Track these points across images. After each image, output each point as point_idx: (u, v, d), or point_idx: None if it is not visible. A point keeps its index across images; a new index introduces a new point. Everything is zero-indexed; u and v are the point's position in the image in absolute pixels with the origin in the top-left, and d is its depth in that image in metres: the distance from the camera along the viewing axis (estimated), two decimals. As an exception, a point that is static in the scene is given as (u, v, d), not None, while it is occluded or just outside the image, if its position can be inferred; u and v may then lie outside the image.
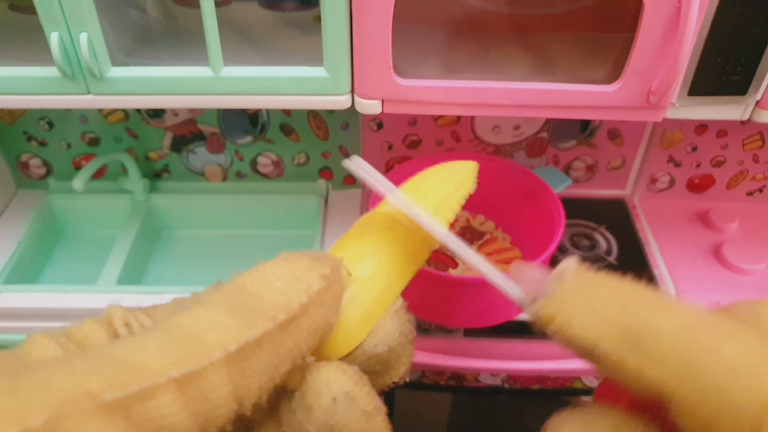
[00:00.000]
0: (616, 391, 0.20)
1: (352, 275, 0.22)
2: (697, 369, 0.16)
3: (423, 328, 0.71)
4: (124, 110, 0.82)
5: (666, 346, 0.17)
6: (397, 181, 0.27)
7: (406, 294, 0.26)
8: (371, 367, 0.22)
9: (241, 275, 0.19)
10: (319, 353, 0.21)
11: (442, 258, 0.74)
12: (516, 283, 0.22)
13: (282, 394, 0.20)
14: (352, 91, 0.55)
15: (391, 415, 0.21)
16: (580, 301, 0.19)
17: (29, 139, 0.85)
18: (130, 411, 0.14)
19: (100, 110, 0.82)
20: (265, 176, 0.90)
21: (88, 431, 0.14)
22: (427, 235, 0.25)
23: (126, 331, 0.20)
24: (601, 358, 0.18)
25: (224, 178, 0.90)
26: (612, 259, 0.77)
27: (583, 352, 0.19)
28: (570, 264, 0.21)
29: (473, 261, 0.23)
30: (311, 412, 0.19)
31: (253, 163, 0.88)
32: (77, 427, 0.14)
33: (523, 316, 0.68)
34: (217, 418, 0.16)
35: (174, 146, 0.86)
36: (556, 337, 0.20)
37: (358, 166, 0.26)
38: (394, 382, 0.24)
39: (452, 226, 0.78)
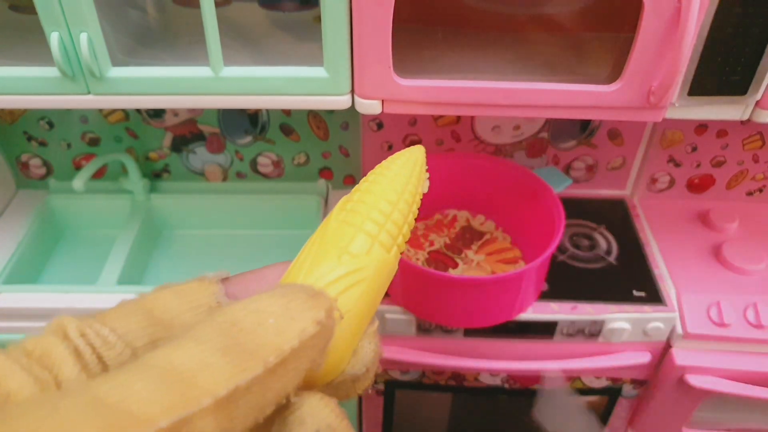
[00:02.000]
0: None
1: (342, 315, 0.22)
2: None
3: (423, 328, 0.70)
4: (124, 110, 0.82)
5: None
6: None
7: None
8: (344, 383, 0.23)
9: (235, 306, 0.18)
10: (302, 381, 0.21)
11: (442, 258, 0.74)
12: None
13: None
14: (352, 91, 0.55)
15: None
16: None
17: (29, 139, 0.85)
18: None
19: (100, 110, 0.82)
20: (265, 176, 0.90)
21: None
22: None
23: (83, 342, 0.20)
24: None
25: (224, 178, 0.90)
26: (612, 259, 0.77)
27: None
28: None
29: None
30: None
31: (253, 163, 0.88)
32: None
33: (522, 316, 0.68)
34: None
35: (174, 146, 0.86)
36: None
37: None
38: (358, 394, 0.24)
39: (452, 225, 0.79)
